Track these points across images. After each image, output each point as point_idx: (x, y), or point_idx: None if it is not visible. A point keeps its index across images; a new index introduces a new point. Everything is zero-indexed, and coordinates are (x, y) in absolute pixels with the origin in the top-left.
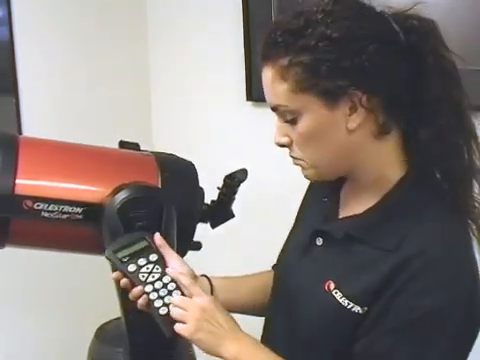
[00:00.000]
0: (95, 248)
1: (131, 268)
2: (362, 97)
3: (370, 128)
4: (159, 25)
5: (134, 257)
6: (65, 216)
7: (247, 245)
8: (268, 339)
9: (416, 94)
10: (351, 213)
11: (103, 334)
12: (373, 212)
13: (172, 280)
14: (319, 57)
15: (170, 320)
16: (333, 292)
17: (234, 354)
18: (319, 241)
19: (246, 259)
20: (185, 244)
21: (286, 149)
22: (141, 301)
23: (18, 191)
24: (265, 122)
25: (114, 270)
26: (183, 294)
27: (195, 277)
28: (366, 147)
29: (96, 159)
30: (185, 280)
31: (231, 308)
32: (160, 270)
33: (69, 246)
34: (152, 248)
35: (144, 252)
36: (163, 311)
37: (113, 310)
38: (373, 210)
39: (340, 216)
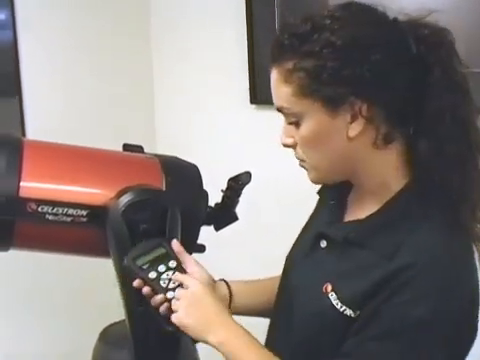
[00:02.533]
0: (99, 251)
1: (152, 275)
2: (362, 106)
3: (371, 137)
4: (162, 29)
5: (154, 264)
6: (69, 219)
7: (251, 247)
8: (272, 335)
9: (421, 105)
10: (354, 218)
11: (107, 336)
12: (373, 218)
13: None
14: (322, 63)
15: None
16: (329, 294)
17: (221, 340)
18: (323, 243)
19: (250, 261)
20: (189, 247)
21: (291, 151)
22: (163, 309)
23: (22, 194)
24: (269, 125)
25: (132, 277)
26: None
27: (213, 281)
28: (367, 155)
29: (100, 162)
30: (180, 276)
31: (250, 312)
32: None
33: (73, 249)
34: (170, 255)
35: (163, 259)
36: None
37: (117, 312)
38: (374, 216)
39: (345, 220)
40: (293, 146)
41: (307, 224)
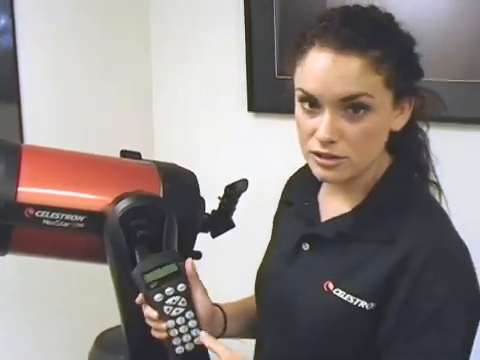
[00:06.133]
0: (96, 256)
1: (158, 298)
2: (413, 100)
3: None
4: (161, 36)
5: (162, 284)
6: (66, 224)
7: (247, 255)
8: (262, 357)
9: None
10: (337, 213)
11: (103, 341)
12: (363, 208)
13: (194, 317)
14: (404, 57)
15: None
16: (334, 291)
17: None
18: (306, 246)
19: (245, 269)
20: (185, 253)
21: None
22: (161, 334)
23: (20, 199)
24: (266, 133)
25: (137, 291)
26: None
27: (213, 310)
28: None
29: (98, 168)
30: (208, 341)
31: (237, 335)
32: (185, 304)
33: (70, 254)
34: (181, 276)
35: (172, 279)
36: (180, 351)
37: (113, 317)
38: (362, 206)
39: (324, 219)
40: (334, 141)
41: (274, 235)
